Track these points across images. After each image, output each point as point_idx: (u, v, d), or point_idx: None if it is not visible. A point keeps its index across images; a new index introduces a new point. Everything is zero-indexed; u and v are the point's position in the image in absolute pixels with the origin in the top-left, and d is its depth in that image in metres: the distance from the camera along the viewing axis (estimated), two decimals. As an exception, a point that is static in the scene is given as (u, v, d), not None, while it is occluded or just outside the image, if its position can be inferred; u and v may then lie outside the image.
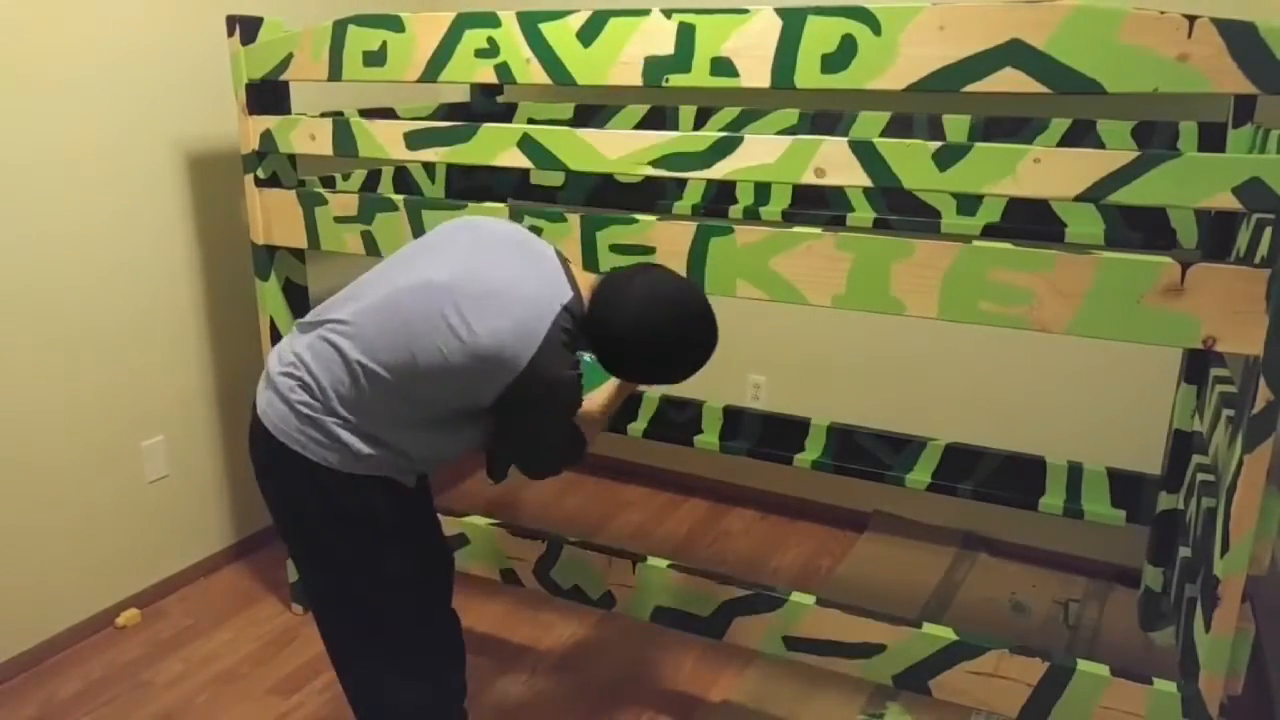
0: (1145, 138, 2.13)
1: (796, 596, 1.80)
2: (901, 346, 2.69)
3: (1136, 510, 2.34)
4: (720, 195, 2.60)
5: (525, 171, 2.80)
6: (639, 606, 1.94)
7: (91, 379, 2.21)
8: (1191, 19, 1.29)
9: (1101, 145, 2.16)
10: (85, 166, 2.13)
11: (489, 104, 2.78)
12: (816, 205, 2.48)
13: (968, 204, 2.33)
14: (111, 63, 2.15)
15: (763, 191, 2.56)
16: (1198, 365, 2.17)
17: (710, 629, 1.87)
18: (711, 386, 2.92)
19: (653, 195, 2.67)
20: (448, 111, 2.64)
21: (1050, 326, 1.46)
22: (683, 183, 2.63)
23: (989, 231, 2.31)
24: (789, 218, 2.51)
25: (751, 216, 2.56)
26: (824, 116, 2.39)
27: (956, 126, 2.28)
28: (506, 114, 2.78)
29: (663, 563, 1.90)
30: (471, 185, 2.79)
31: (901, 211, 2.39)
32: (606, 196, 2.72)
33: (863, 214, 2.44)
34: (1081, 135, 2.18)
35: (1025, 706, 1.65)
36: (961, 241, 1.50)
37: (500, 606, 2.42)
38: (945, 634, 1.69)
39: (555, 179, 2.79)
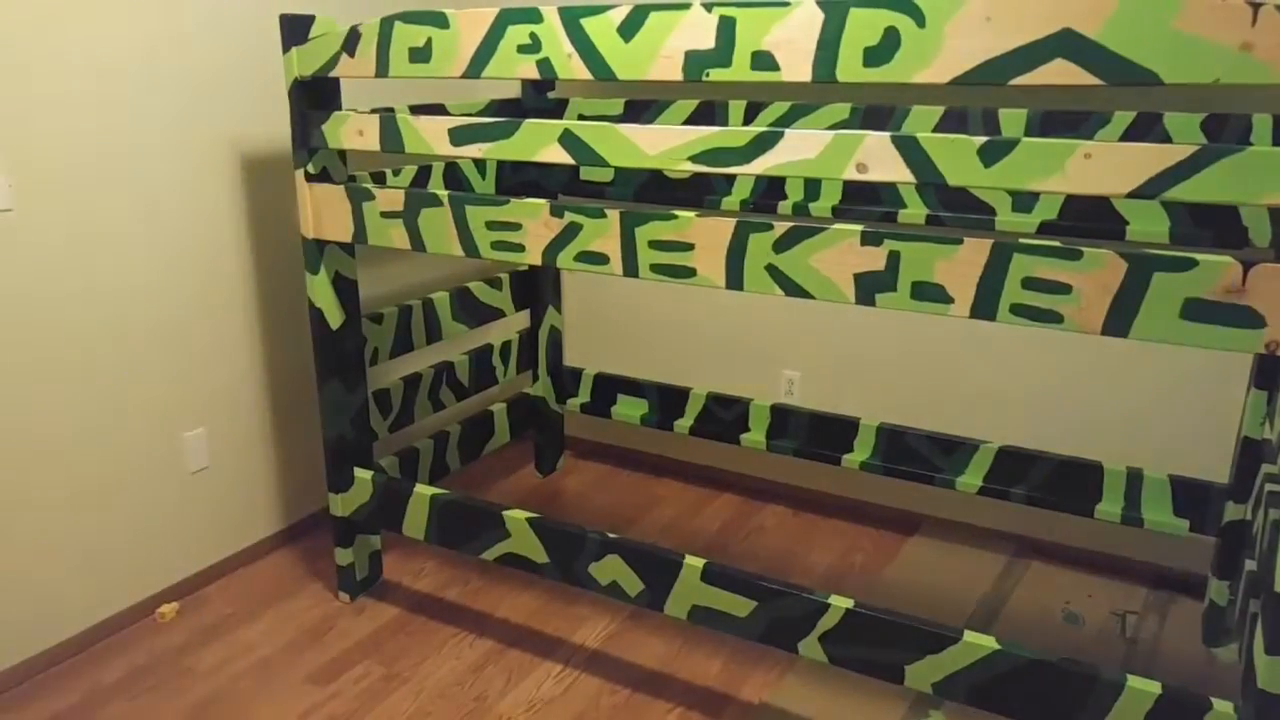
0: (1216, 131, 2.03)
1: (836, 600, 1.76)
2: (940, 342, 2.64)
3: (1201, 520, 2.25)
4: (770, 190, 2.57)
5: (575, 167, 2.81)
6: (677, 605, 1.93)
7: (135, 371, 2.27)
8: (1256, 5, 1.22)
9: (1168, 139, 2.07)
10: (136, 160, 2.20)
11: (540, 100, 2.79)
12: (868, 201, 2.43)
13: (1023, 201, 2.26)
14: (165, 60, 2.21)
15: (813, 187, 2.51)
16: (1269, 370, 2.06)
17: (747, 630, 1.85)
18: (746, 382, 2.92)
19: (701, 191, 2.65)
20: (498, 108, 2.66)
21: (1098, 329, 1.40)
22: (731, 178, 2.60)
23: (1046, 229, 2.24)
24: (840, 214, 2.46)
25: (801, 212, 2.52)
26: (875, 111, 2.34)
27: (1012, 121, 2.21)
28: (558, 110, 2.79)
29: (701, 562, 1.89)
30: (521, 181, 2.80)
31: (954, 209, 2.33)
32: (655, 192, 2.71)
33: (915, 211, 2.38)
34: (1147, 129, 2.09)
35: (1071, 721, 1.59)
36: (1008, 239, 1.45)
37: (533, 599, 2.44)
38: (987, 643, 1.64)
39: (604, 174, 2.79)
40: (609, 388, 3.01)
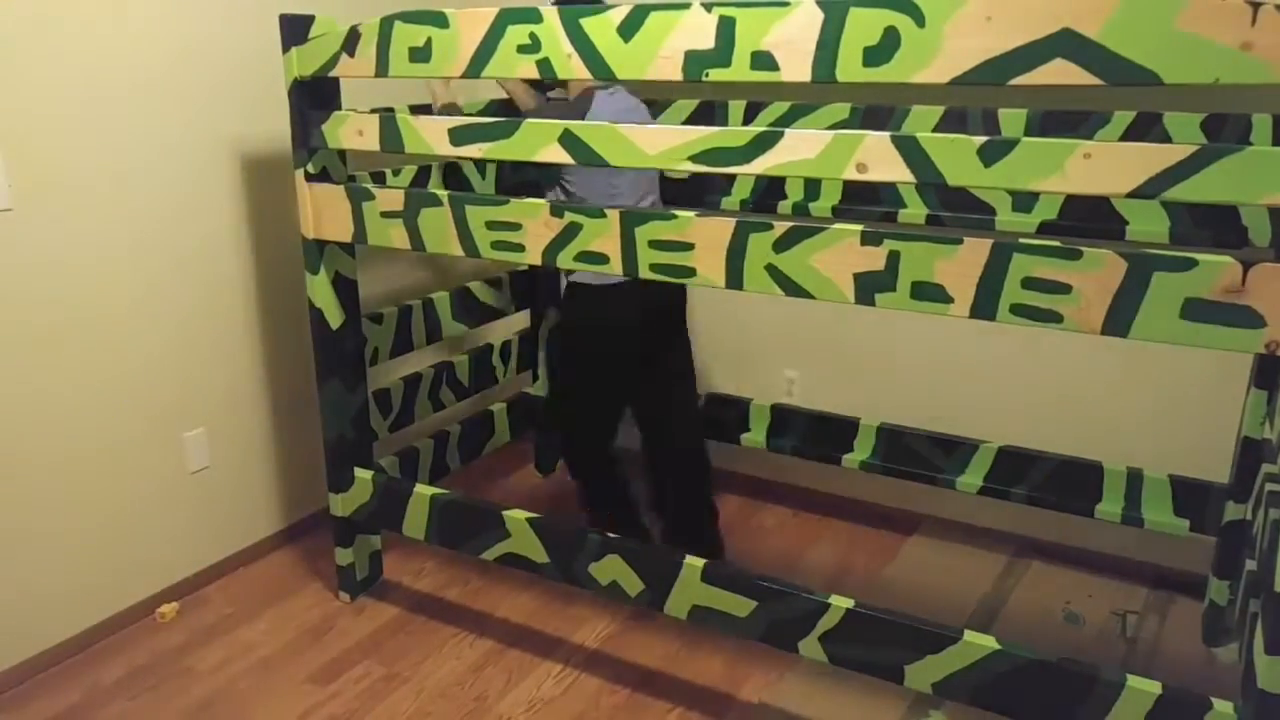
0: (1216, 131, 2.03)
1: (836, 600, 1.76)
2: (940, 342, 2.63)
3: (1201, 520, 2.25)
4: (770, 190, 2.57)
5: (575, 167, 2.80)
6: (677, 605, 1.93)
7: (135, 371, 2.26)
8: (1256, 5, 1.22)
9: (1168, 139, 2.07)
10: (136, 160, 2.20)
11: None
12: (868, 201, 2.43)
13: (1023, 200, 2.26)
14: (165, 59, 2.21)
15: (813, 187, 2.52)
16: (1269, 370, 2.06)
17: (748, 630, 1.85)
18: (746, 381, 2.91)
19: (702, 191, 2.65)
20: (498, 108, 2.66)
21: (1098, 329, 1.40)
22: (732, 178, 2.61)
23: (1046, 229, 2.24)
24: (839, 214, 2.46)
25: (801, 212, 2.52)
26: (875, 111, 2.33)
27: (1012, 121, 2.21)
28: (557, 109, 2.78)
29: (701, 562, 1.89)
30: (523, 181, 2.80)
31: (954, 208, 2.33)
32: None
33: (915, 210, 2.38)
34: (1147, 129, 2.09)
35: (1071, 721, 1.60)
36: (1007, 239, 1.45)
37: (533, 599, 2.44)
38: (987, 643, 1.64)
39: (604, 174, 2.79)
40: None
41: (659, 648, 2.26)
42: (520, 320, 3.04)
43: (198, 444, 2.43)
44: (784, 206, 2.55)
